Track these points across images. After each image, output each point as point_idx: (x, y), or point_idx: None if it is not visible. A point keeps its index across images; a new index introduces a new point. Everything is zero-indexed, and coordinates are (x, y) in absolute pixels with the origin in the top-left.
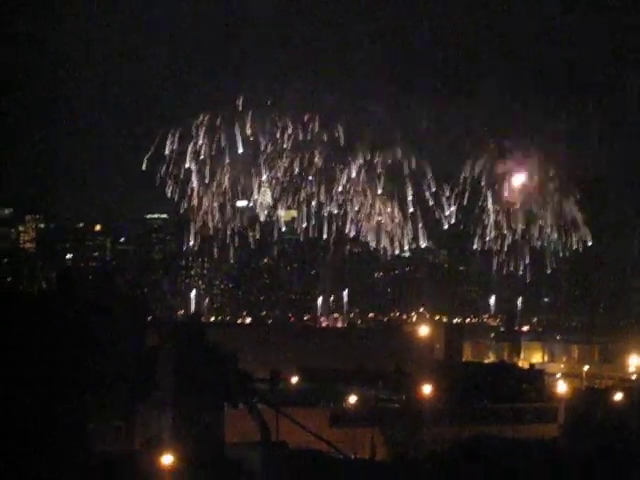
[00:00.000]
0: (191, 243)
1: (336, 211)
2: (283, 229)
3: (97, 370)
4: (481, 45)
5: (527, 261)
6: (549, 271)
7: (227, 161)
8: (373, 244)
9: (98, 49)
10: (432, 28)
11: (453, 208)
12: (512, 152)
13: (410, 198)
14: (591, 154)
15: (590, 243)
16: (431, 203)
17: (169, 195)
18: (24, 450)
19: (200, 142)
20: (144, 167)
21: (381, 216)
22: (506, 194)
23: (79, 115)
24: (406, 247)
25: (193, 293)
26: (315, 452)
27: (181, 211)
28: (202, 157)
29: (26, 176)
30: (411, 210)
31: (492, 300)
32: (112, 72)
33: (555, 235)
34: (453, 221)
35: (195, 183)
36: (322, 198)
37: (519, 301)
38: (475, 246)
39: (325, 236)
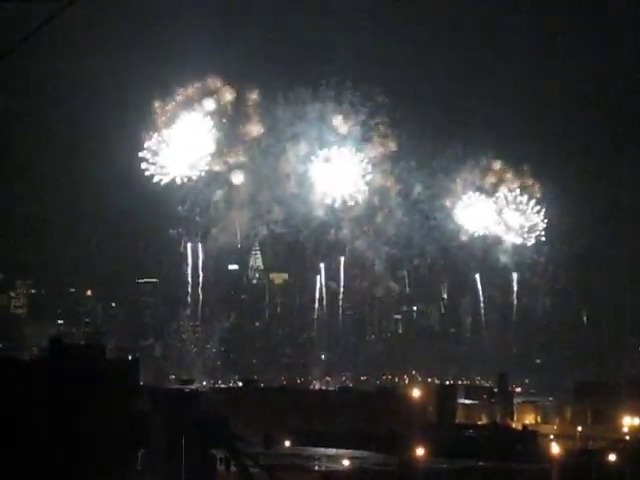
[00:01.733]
0: (182, 307)
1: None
2: (275, 292)
3: (88, 436)
4: None
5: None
6: (540, 332)
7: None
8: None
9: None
10: None
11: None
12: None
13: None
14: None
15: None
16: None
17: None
18: None
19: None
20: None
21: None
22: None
23: (69, 180)
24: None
25: (185, 358)
26: None
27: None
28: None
29: (17, 241)
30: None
31: (484, 361)
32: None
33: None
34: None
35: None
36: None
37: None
38: (466, 306)
39: (317, 299)
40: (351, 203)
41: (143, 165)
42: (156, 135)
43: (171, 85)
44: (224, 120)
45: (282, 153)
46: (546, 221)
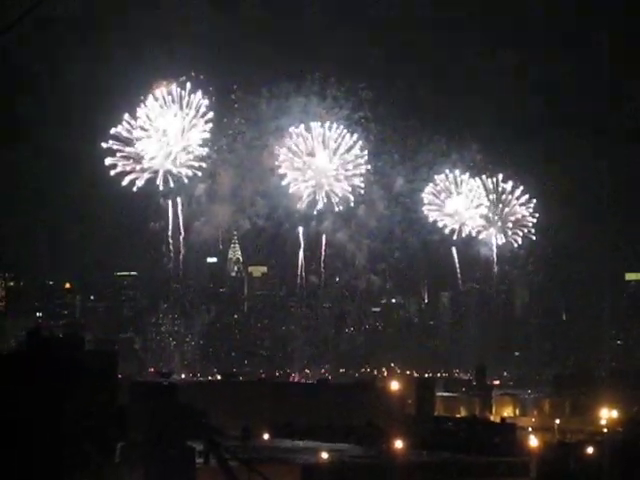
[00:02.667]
0: (162, 300)
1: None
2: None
3: (67, 428)
4: None
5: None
6: (520, 325)
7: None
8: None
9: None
10: None
11: None
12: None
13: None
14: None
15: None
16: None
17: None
18: None
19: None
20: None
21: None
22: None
23: (49, 174)
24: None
25: (164, 350)
26: None
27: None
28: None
29: None
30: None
31: (463, 354)
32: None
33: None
34: None
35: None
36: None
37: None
38: (445, 300)
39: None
40: (334, 198)
41: (120, 161)
42: (139, 129)
43: (154, 79)
44: (208, 115)
45: (265, 147)
46: (537, 215)
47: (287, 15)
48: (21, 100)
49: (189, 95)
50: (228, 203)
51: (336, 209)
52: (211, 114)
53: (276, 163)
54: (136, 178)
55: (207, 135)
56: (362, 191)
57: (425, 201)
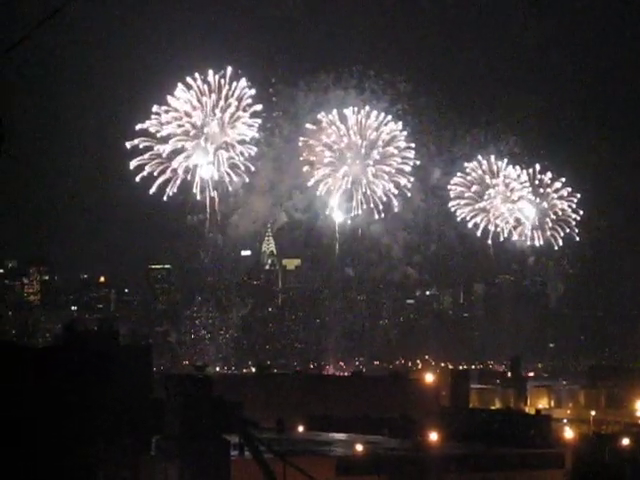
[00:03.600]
0: (197, 293)
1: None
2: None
3: (103, 422)
4: None
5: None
6: (555, 316)
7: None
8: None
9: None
10: None
11: None
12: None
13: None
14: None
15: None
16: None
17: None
18: None
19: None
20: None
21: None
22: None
23: (82, 168)
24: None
25: (199, 344)
26: None
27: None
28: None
29: (30, 228)
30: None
31: (497, 346)
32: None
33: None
34: None
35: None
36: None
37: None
38: (480, 291)
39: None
40: (374, 196)
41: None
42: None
43: (191, 73)
44: (245, 108)
45: (303, 140)
46: (581, 213)
47: (326, 8)
48: (56, 94)
49: (229, 85)
50: (266, 196)
51: (371, 205)
52: (258, 106)
53: (310, 158)
54: (167, 182)
55: (254, 132)
56: (408, 193)
57: (452, 195)
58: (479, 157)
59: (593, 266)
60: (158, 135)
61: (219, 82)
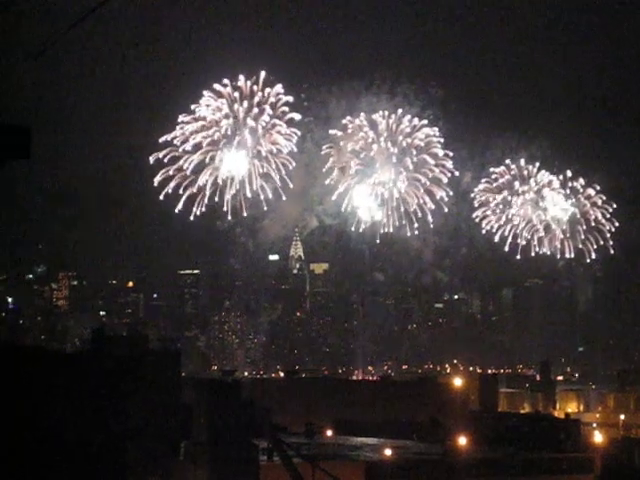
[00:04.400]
0: (225, 298)
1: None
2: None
3: (133, 427)
4: None
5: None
6: (583, 320)
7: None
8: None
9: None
10: None
11: None
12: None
13: None
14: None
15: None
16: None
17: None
18: None
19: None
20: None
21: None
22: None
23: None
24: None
25: (227, 348)
26: None
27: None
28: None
29: (59, 234)
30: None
31: (526, 350)
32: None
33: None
34: None
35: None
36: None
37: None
38: (509, 295)
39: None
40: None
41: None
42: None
43: (219, 79)
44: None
45: (333, 145)
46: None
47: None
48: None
49: (262, 91)
50: (297, 201)
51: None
52: (295, 114)
53: (339, 164)
54: (194, 198)
55: (292, 144)
56: (445, 207)
57: (477, 203)
58: (507, 161)
59: (622, 270)
60: (182, 148)
61: (251, 88)
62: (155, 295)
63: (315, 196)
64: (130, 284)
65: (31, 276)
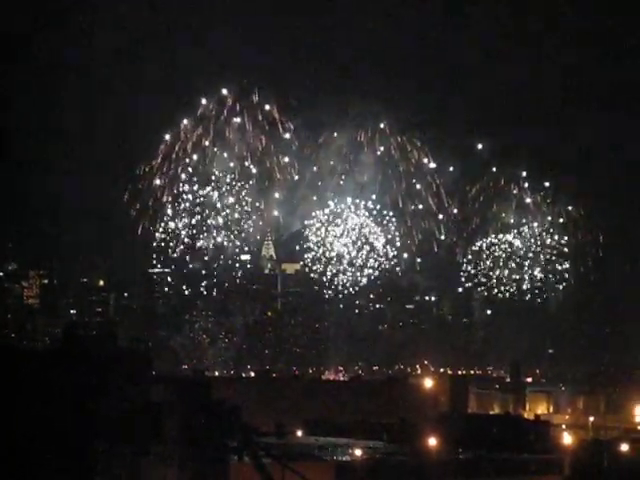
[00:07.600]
0: (196, 297)
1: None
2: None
3: (101, 426)
4: None
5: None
6: (553, 320)
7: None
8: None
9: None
10: None
11: None
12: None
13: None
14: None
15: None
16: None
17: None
18: None
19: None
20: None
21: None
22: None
23: (84, 170)
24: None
25: (197, 348)
26: None
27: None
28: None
29: (29, 231)
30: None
31: (496, 351)
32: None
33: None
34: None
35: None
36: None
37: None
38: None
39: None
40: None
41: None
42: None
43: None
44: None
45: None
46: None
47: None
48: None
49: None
50: (279, 205)
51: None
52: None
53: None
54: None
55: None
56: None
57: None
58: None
59: (593, 272)
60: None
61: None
62: (126, 294)
63: (296, 201)
64: (101, 283)
65: (1, 274)
